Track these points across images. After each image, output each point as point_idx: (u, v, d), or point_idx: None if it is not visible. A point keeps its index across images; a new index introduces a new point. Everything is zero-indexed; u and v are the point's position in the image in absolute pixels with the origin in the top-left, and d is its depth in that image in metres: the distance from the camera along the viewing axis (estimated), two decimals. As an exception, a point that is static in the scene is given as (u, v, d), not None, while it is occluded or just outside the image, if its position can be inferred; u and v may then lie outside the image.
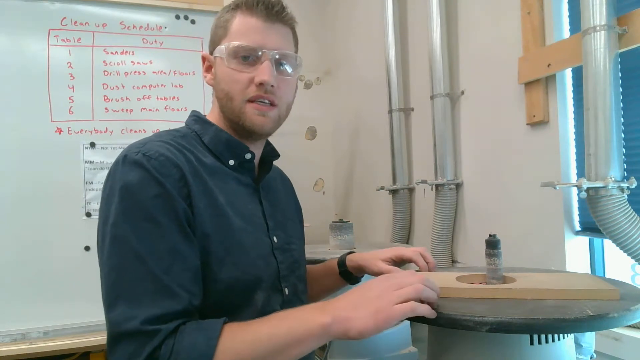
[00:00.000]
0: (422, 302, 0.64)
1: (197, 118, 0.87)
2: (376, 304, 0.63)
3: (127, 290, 0.65)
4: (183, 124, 0.89)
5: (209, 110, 0.90)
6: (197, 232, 0.72)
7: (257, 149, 0.89)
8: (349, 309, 0.64)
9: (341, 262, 1.00)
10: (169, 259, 0.67)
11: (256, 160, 0.89)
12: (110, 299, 0.66)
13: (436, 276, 0.81)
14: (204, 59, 0.88)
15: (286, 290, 0.84)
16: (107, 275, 0.68)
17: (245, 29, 0.80)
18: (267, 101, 0.80)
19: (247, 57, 0.79)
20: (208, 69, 0.87)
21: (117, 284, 0.66)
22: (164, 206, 0.69)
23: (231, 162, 0.83)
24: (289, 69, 0.83)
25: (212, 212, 0.74)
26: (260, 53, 0.79)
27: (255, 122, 0.80)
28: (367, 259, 0.96)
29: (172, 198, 0.69)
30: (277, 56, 0.80)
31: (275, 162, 0.97)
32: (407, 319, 0.64)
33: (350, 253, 1.02)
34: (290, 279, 0.86)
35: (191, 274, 0.69)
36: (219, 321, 0.67)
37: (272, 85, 0.79)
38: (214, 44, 0.85)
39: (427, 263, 0.93)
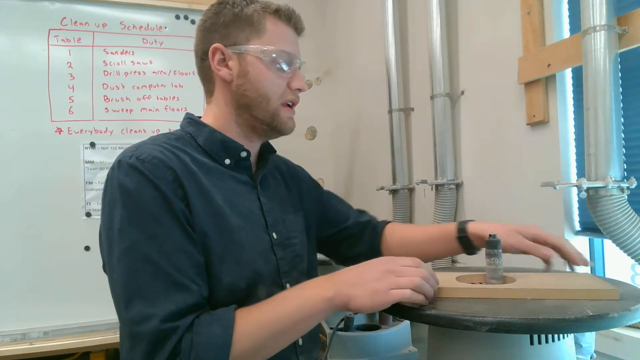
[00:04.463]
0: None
1: (190, 120, 0.89)
2: (374, 286, 0.67)
3: (141, 289, 0.67)
4: None
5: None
6: (196, 230, 0.73)
7: (255, 147, 0.90)
8: (350, 284, 0.68)
9: (461, 229, 0.94)
10: (177, 256, 0.70)
11: (253, 158, 0.90)
12: (125, 299, 0.68)
13: (440, 276, 0.81)
14: (216, 50, 0.83)
15: (287, 286, 0.85)
16: (119, 278, 0.69)
17: (286, 37, 0.86)
18: (293, 104, 0.89)
19: (288, 64, 0.85)
20: (222, 62, 0.84)
21: (131, 285, 0.68)
22: (164, 207, 0.71)
23: (227, 161, 0.85)
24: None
25: (209, 211, 0.76)
26: (298, 62, 0.87)
27: (288, 125, 0.88)
28: (505, 231, 0.85)
29: (169, 199, 0.71)
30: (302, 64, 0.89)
31: None
32: (403, 305, 0.66)
33: (468, 221, 0.95)
34: (292, 274, 0.87)
35: (198, 269, 0.72)
36: (230, 309, 0.70)
37: None
38: (234, 38, 0.83)
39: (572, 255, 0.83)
